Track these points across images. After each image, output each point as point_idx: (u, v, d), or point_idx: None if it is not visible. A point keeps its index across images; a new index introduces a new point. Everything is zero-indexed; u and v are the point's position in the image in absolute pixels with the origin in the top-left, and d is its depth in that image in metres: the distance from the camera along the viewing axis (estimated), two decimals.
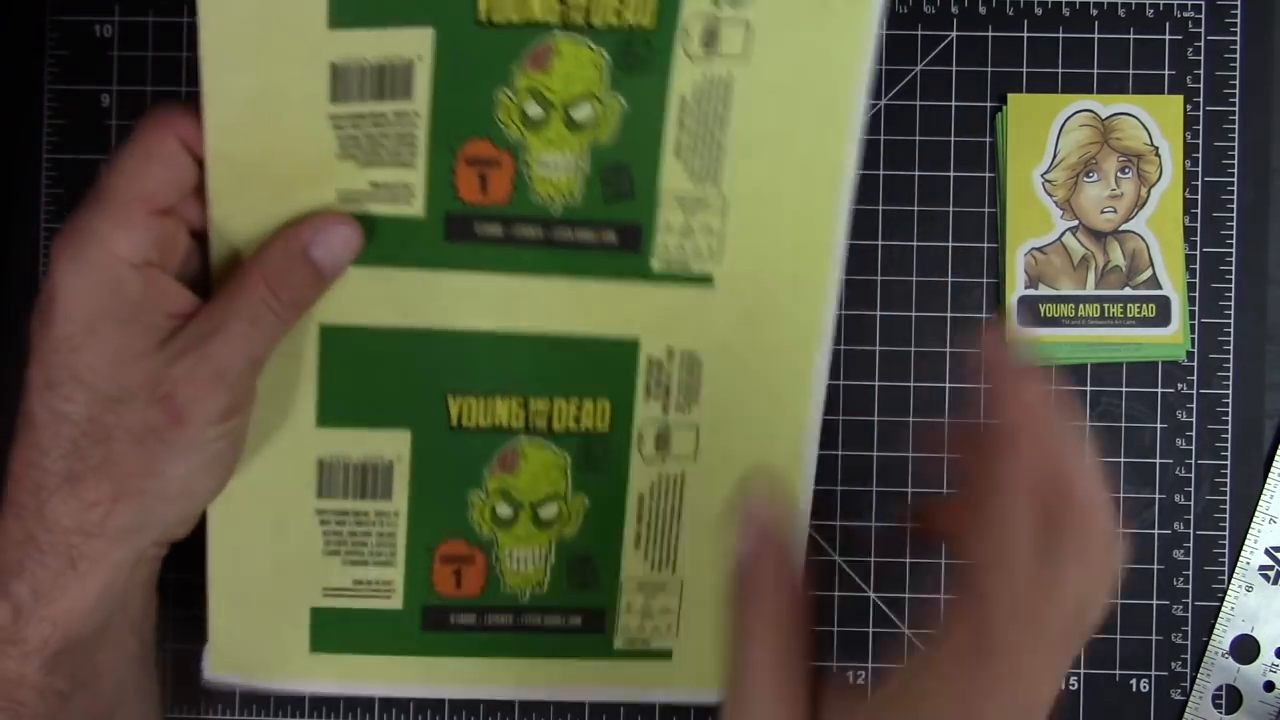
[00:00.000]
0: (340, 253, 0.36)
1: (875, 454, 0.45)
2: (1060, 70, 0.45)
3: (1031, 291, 0.45)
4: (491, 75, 0.35)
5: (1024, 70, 0.45)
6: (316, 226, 0.35)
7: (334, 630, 0.40)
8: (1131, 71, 0.45)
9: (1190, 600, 0.45)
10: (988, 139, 0.45)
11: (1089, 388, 0.45)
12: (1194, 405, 0.45)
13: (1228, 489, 0.45)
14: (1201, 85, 0.45)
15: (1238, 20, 0.45)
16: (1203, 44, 0.45)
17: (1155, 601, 0.45)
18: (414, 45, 0.35)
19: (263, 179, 0.35)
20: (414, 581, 0.40)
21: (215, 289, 0.36)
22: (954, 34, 0.45)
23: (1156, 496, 0.45)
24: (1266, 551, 0.45)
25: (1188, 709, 0.45)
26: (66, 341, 0.33)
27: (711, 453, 0.40)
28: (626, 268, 0.38)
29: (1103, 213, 0.45)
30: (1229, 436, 0.45)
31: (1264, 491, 0.45)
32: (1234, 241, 0.45)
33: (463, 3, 0.34)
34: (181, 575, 0.42)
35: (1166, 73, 0.45)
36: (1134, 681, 0.45)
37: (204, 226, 0.36)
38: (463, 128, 0.36)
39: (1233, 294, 0.45)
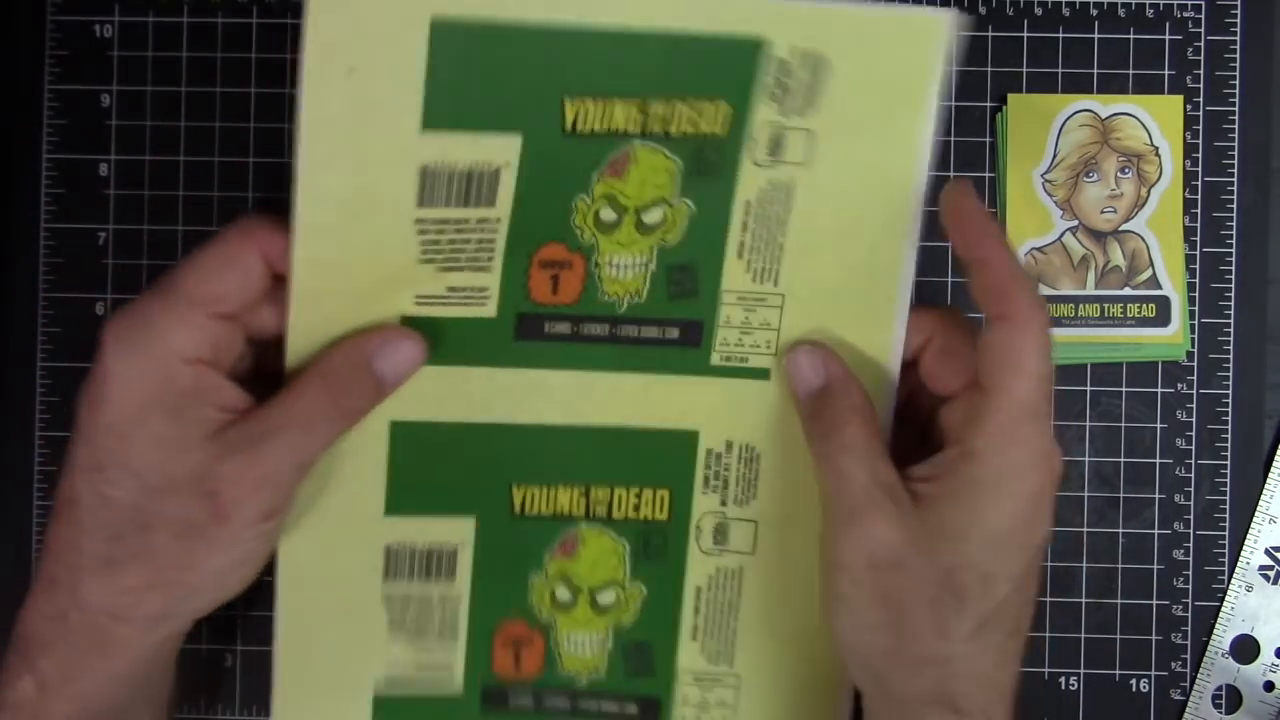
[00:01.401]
0: (403, 367, 0.36)
1: None
2: (1060, 70, 0.45)
3: None
4: (573, 183, 0.36)
5: (1024, 70, 0.45)
6: (383, 339, 0.36)
7: (396, 718, 0.41)
8: (1131, 71, 0.45)
9: (1190, 600, 0.45)
10: (988, 139, 0.45)
11: (1089, 388, 0.45)
12: (1194, 405, 0.45)
13: (1228, 489, 0.45)
14: (1201, 85, 0.45)
15: (1238, 20, 0.45)
16: (1203, 44, 0.45)
17: (1155, 601, 0.45)
18: (503, 152, 0.35)
19: (345, 282, 0.36)
20: (475, 660, 0.41)
21: (282, 390, 0.36)
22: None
23: (1156, 496, 0.45)
24: (1266, 551, 0.45)
25: (1188, 709, 0.45)
26: (115, 427, 0.33)
27: (770, 549, 0.40)
28: (687, 362, 0.39)
29: (1103, 213, 0.45)
30: (1229, 436, 0.45)
31: (1264, 491, 0.45)
32: (1234, 241, 0.45)
33: (552, 112, 0.35)
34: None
35: (1166, 73, 0.45)
36: (1134, 681, 0.45)
37: (262, 332, 0.36)
38: (539, 232, 0.37)
39: (1233, 294, 0.45)
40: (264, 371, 0.37)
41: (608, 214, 0.37)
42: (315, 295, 0.36)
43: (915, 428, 0.38)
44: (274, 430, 0.34)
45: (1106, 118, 0.45)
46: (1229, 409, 0.45)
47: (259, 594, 0.42)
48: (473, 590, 0.40)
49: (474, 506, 0.40)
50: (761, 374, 0.39)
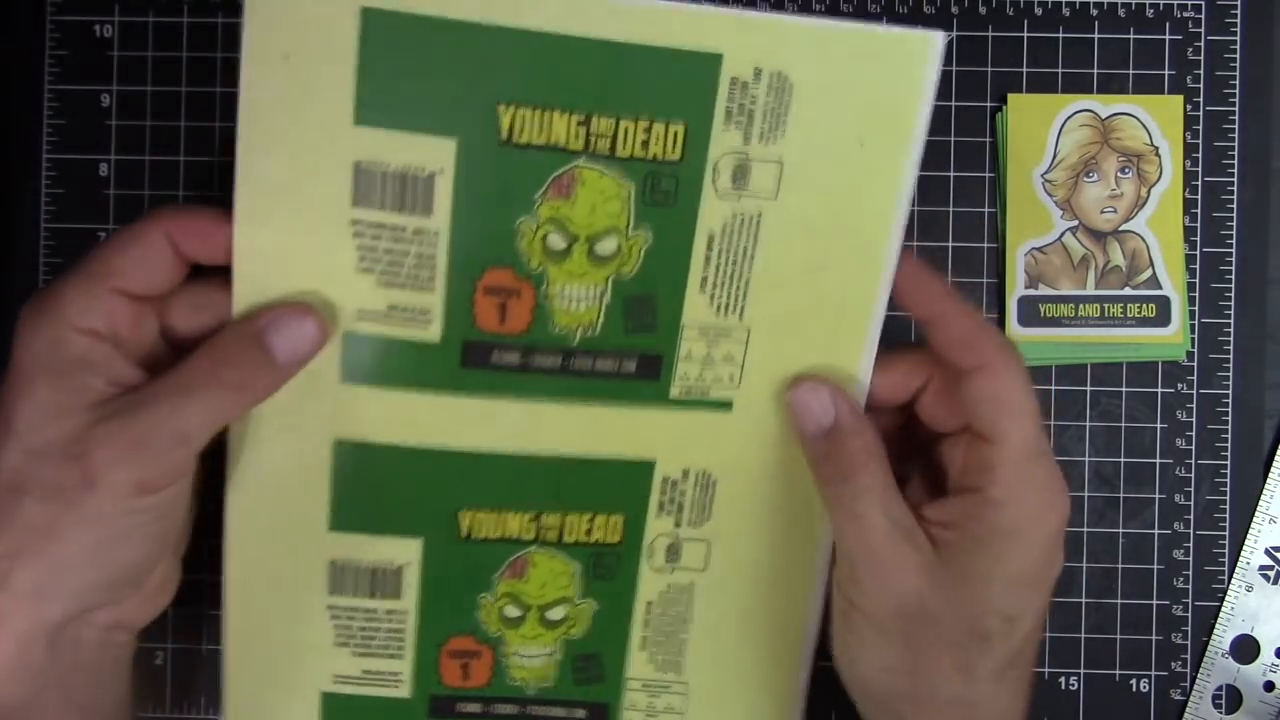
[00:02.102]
0: (300, 344, 0.35)
1: None
2: (1060, 70, 0.45)
3: (1031, 291, 0.45)
4: (514, 199, 0.35)
5: (1024, 70, 0.45)
6: (276, 314, 0.35)
7: (344, 715, 0.41)
8: (1131, 71, 0.45)
9: (1190, 600, 0.45)
10: (988, 139, 0.45)
11: (1089, 388, 0.45)
12: (1194, 405, 0.45)
13: (1228, 489, 0.45)
14: (1201, 85, 0.45)
15: (1238, 20, 0.45)
16: (1203, 44, 0.45)
17: (1155, 601, 0.45)
18: (437, 156, 0.34)
19: (284, 276, 0.35)
20: (422, 672, 0.40)
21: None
22: (954, 34, 0.45)
23: (1156, 496, 0.45)
24: (1266, 551, 0.45)
25: (1188, 709, 0.45)
26: (8, 392, 0.33)
27: (723, 564, 0.40)
28: (644, 395, 0.37)
29: (1103, 213, 0.45)
30: (1229, 436, 0.45)
31: (1264, 491, 0.45)
32: (1234, 241, 0.45)
33: (487, 118, 0.34)
34: (184, 575, 0.42)
35: (1166, 73, 0.45)
36: (1134, 681, 0.45)
37: (178, 330, 0.36)
38: (483, 254, 0.35)
39: (1233, 294, 0.45)
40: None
41: (556, 241, 0.35)
42: (256, 285, 0.35)
43: (915, 456, 0.39)
44: (154, 396, 0.33)
45: (1106, 118, 0.45)
46: (1229, 409, 0.45)
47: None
48: (420, 608, 0.40)
49: (420, 528, 0.39)
50: (724, 405, 0.38)
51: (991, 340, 0.35)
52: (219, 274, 0.36)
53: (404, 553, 0.39)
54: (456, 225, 0.35)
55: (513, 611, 0.40)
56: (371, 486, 0.38)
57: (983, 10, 0.45)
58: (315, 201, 0.35)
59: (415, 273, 0.35)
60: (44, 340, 0.34)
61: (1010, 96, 0.45)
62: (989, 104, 0.45)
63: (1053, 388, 0.45)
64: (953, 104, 0.45)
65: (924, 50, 0.34)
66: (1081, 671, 0.45)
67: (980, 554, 0.34)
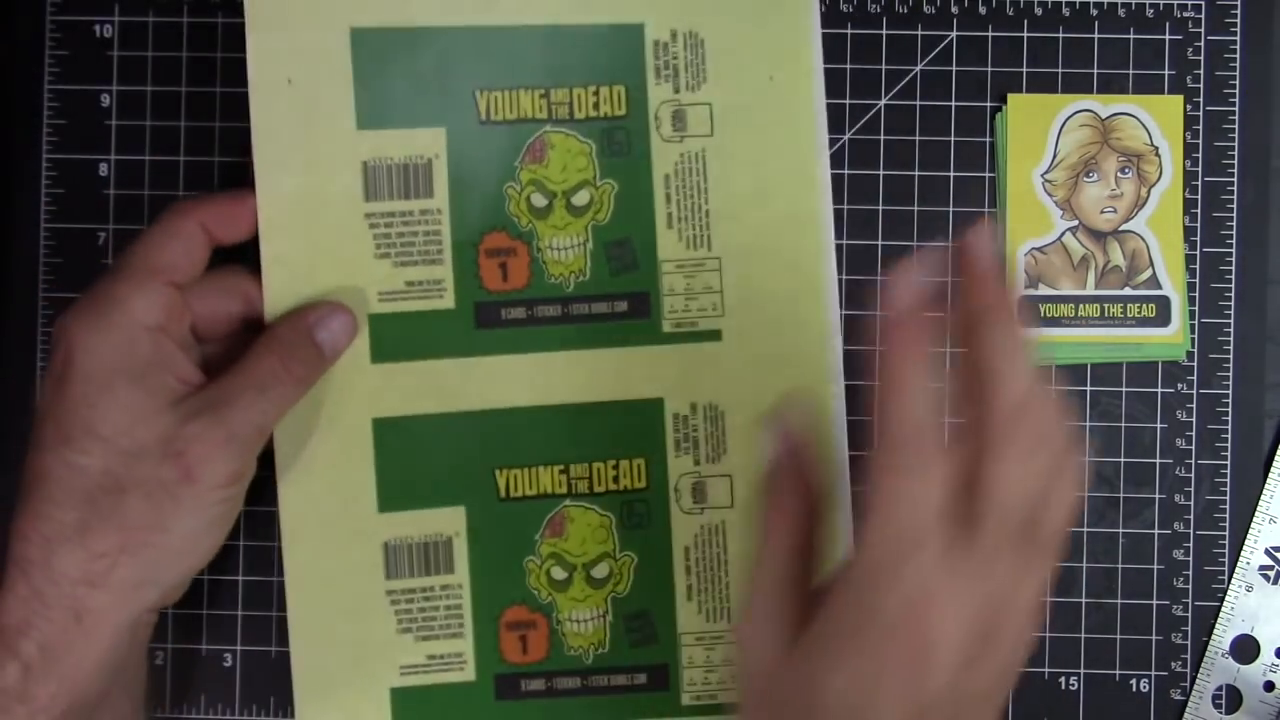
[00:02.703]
0: (339, 336, 0.40)
1: None
2: (1060, 70, 0.45)
3: (1031, 291, 0.45)
4: (498, 169, 0.41)
5: (1024, 70, 0.45)
6: (321, 312, 0.39)
7: (414, 708, 0.42)
8: (1131, 71, 0.45)
9: (1190, 600, 0.45)
10: (988, 139, 0.45)
11: (1089, 388, 0.45)
12: (1194, 405, 0.45)
13: (1228, 489, 0.45)
14: (1201, 85, 0.45)
15: (1238, 20, 0.45)
16: (1203, 44, 0.45)
17: (1155, 601, 0.45)
18: (431, 144, 0.41)
19: (311, 279, 0.40)
20: (484, 650, 0.42)
21: (237, 362, 0.39)
22: (954, 34, 0.45)
23: (1156, 496, 0.45)
24: (1266, 551, 0.45)
25: (1188, 709, 0.45)
26: (84, 399, 0.35)
27: (748, 500, 0.42)
28: (641, 333, 0.42)
29: (1103, 213, 0.45)
30: (1229, 436, 0.45)
31: (1264, 491, 0.45)
32: (1234, 241, 0.45)
33: (467, 105, 0.41)
34: None
35: (1166, 73, 0.45)
36: (1134, 681, 0.45)
37: (206, 320, 0.39)
38: (481, 222, 0.41)
39: (1233, 294, 0.45)
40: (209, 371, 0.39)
41: (538, 199, 0.41)
42: (285, 291, 0.40)
43: None
44: (234, 393, 0.37)
45: (1106, 118, 0.45)
46: (1229, 409, 0.45)
47: (251, 592, 0.43)
48: (472, 580, 0.42)
49: (462, 495, 0.42)
50: (713, 336, 0.42)
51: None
52: (234, 260, 0.40)
53: (451, 523, 0.42)
54: (454, 200, 0.41)
55: (559, 573, 0.42)
56: (413, 461, 0.41)
57: (983, 10, 0.45)
58: (332, 203, 0.40)
59: (426, 249, 0.41)
60: (115, 343, 0.36)
61: (1010, 96, 0.45)
62: (989, 104, 0.45)
63: (1053, 388, 0.45)
64: (953, 104, 0.45)
65: None
66: (1081, 671, 0.45)
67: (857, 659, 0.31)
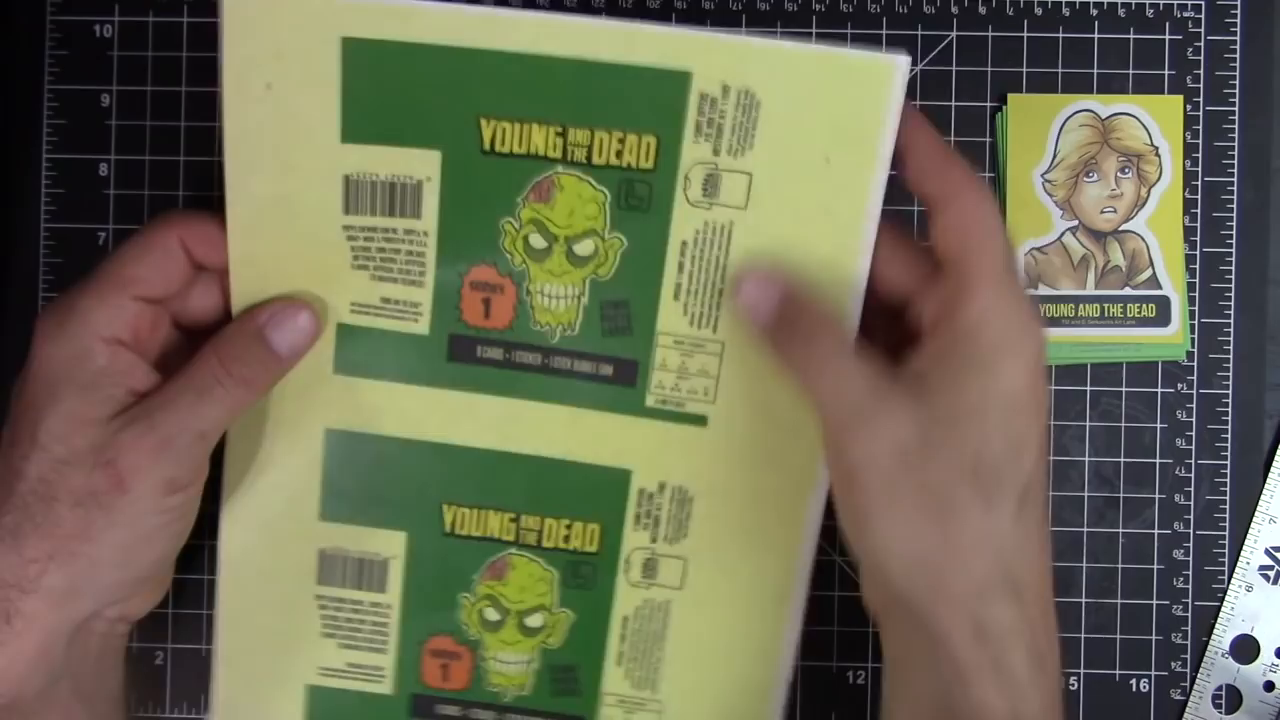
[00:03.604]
0: (297, 337, 0.37)
1: None
2: (1060, 70, 0.45)
3: (1031, 291, 0.45)
4: (496, 203, 0.37)
5: (1024, 70, 0.45)
6: (274, 310, 0.37)
7: (328, 709, 0.41)
8: (1131, 71, 0.45)
9: (1190, 600, 0.45)
10: (988, 139, 0.45)
11: (1089, 388, 0.45)
12: (1194, 405, 0.45)
13: (1228, 489, 0.45)
14: (1201, 85, 0.45)
15: (1238, 20, 0.45)
16: (1203, 44, 0.45)
17: (1155, 601, 0.45)
18: (423, 167, 0.37)
19: (281, 279, 0.38)
20: (404, 669, 0.41)
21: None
22: (954, 34, 0.45)
23: (1156, 496, 0.45)
24: (1266, 551, 0.45)
25: (1188, 709, 0.45)
26: (33, 405, 0.35)
27: (699, 584, 0.40)
28: (621, 401, 0.39)
29: (1103, 213, 0.45)
30: (1229, 436, 0.45)
31: (1264, 491, 0.45)
32: (1234, 241, 0.45)
33: (469, 131, 0.36)
34: (179, 576, 0.42)
35: (1166, 73, 0.45)
36: (1134, 681, 0.45)
37: (196, 317, 0.38)
38: (470, 252, 0.38)
39: (1233, 294, 0.45)
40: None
41: (537, 240, 0.37)
42: (253, 293, 0.38)
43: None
44: (170, 398, 0.35)
45: (1106, 118, 0.45)
46: (1229, 409, 0.45)
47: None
48: (403, 603, 0.41)
49: (405, 521, 0.40)
50: (698, 420, 0.39)
51: (958, 168, 0.34)
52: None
53: (390, 545, 0.40)
54: (444, 226, 0.37)
55: (492, 615, 0.41)
56: (360, 477, 0.40)
57: (983, 10, 0.45)
58: (307, 212, 0.37)
59: (406, 268, 0.38)
60: (69, 352, 0.35)
61: (1010, 96, 0.45)
62: (989, 104, 0.45)
63: (1053, 388, 0.45)
64: (953, 104, 0.45)
65: (889, 73, 0.35)
66: (1081, 671, 0.45)
67: (968, 382, 0.33)
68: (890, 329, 0.37)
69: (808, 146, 0.36)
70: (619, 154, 0.36)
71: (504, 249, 0.38)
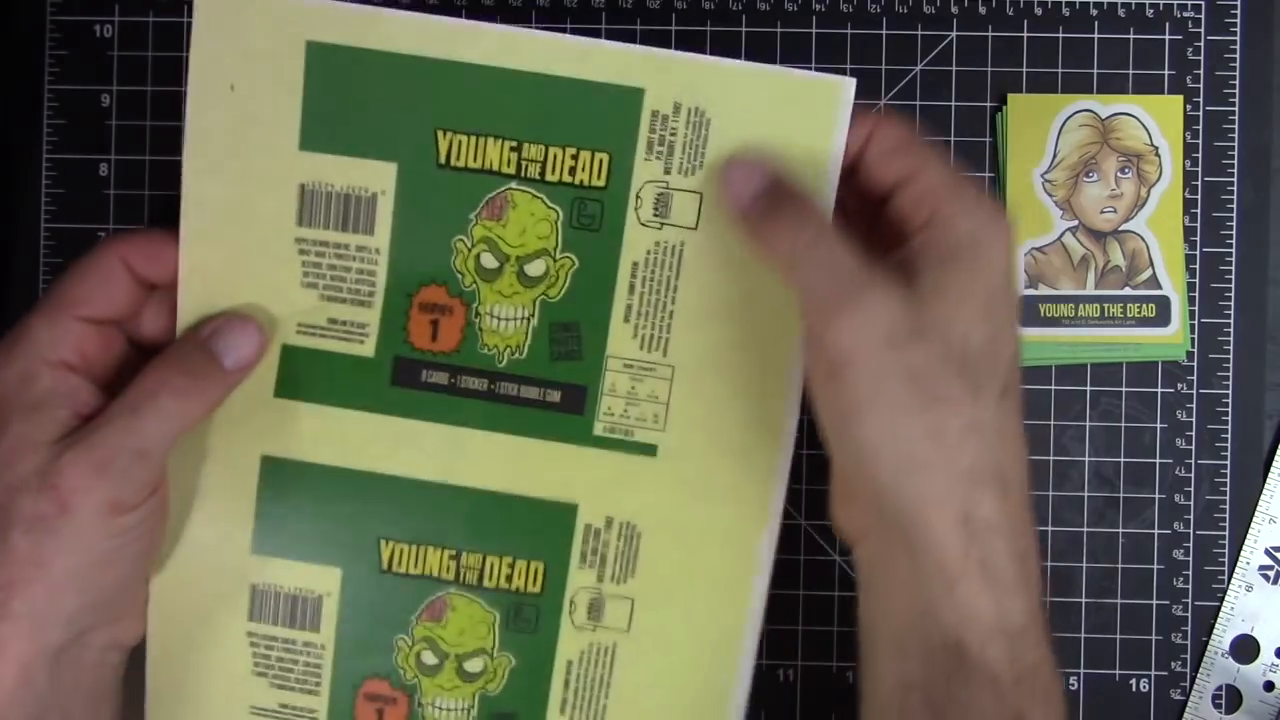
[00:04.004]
0: (243, 351, 0.36)
1: None
2: (1060, 70, 0.45)
3: (1031, 291, 0.45)
4: (450, 219, 0.37)
5: (1024, 70, 0.45)
6: (219, 323, 0.37)
7: None
8: (1131, 71, 0.45)
9: (1190, 600, 0.45)
10: (988, 139, 0.45)
11: (1089, 388, 0.45)
12: (1194, 405, 0.45)
13: (1228, 489, 0.45)
14: (1201, 85, 0.45)
15: (1238, 20, 0.45)
16: (1203, 44, 0.45)
17: (1155, 601, 0.45)
18: (378, 179, 0.37)
19: (230, 293, 0.37)
20: (337, 714, 0.40)
21: None
22: (954, 34, 0.45)
23: (1156, 496, 0.45)
24: (1266, 551, 0.45)
25: (1188, 709, 0.45)
26: None
27: (646, 629, 0.39)
28: (569, 430, 0.38)
29: (1103, 213, 0.45)
30: (1229, 436, 0.45)
31: (1264, 491, 0.45)
32: (1234, 241, 0.45)
33: (425, 143, 0.36)
34: None
35: (1166, 73, 0.45)
36: (1134, 681, 0.45)
37: (150, 337, 0.37)
38: (420, 271, 0.37)
39: (1233, 294, 0.45)
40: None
41: (489, 260, 0.37)
42: (201, 304, 0.37)
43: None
44: (108, 418, 0.35)
45: (1106, 118, 0.45)
46: (1229, 409, 0.45)
47: None
48: (337, 644, 0.39)
49: (341, 557, 0.39)
50: (648, 450, 0.38)
51: (866, 115, 0.35)
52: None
53: (324, 582, 0.39)
54: (396, 243, 0.37)
55: (430, 658, 0.40)
56: (296, 507, 0.38)
57: (983, 10, 0.45)
58: (261, 221, 0.37)
59: (356, 288, 0.37)
60: (14, 375, 0.35)
61: (1010, 96, 0.45)
62: (989, 104, 0.45)
63: (1053, 388, 0.45)
64: (953, 104, 0.45)
65: (835, 94, 0.35)
66: (1081, 671, 0.45)
67: (947, 272, 0.33)
68: (867, 230, 0.37)
69: None
70: (572, 170, 0.37)
71: (455, 269, 0.37)
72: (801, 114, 0.36)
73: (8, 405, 0.35)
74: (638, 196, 0.37)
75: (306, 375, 0.38)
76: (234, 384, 0.37)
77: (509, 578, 0.39)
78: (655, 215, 0.37)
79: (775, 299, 0.36)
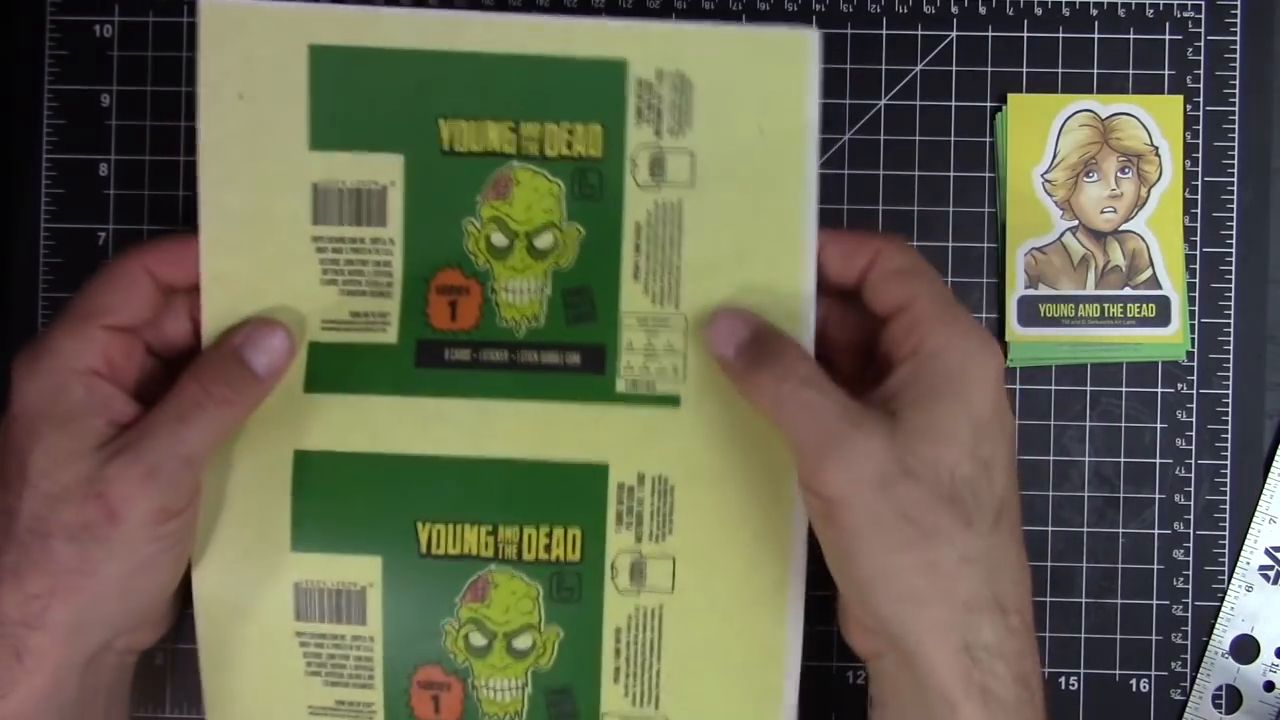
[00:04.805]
0: (274, 356, 0.37)
1: None
2: (1060, 70, 0.45)
3: (1031, 291, 0.45)
4: (458, 203, 0.39)
5: (1024, 70, 0.45)
6: (248, 331, 0.37)
7: None
8: (1131, 71, 0.45)
9: (1190, 600, 0.45)
10: (988, 139, 0.45)
11: (1089, 388, 0.45)
12: (1194, 405, 0.45)
13: (1228, 489, 0.45)
14: (1201, 85, 0.45)
15: (1238, 20, 0.45)
16: (1203, 44, 0.45)
17: (1155, 601, 0.45)
18: (387, 171, 0.38)
19: (252, 299, 0.38)
20: (394, 705, 0.40)
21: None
22: (954, 34, 0.45)
23: (1156, 496, 0.45)
24: (1266, 551, 0.45)
25: (1188, 709, 0.45)
26: (15, 442, 0.35)
27: (690, 586, 0.39)
28: (592, 390, 0.39)
29: (1103, 213, 0.45)
30: (1229, 436, 0.45)
31: (1264, 491, 0.45)
32: (1234, 241, 0.45)
33: (429, 132, 0.38)
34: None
35: (1166, 73, 0.45)
36: (1134, 681, 0.45)
37: (172, 344, 0.38)
38: (435, 257, 0.39)
39: (1233, 294, 0.45)
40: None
41: (499, 238, 0.39)
42: (225, 311, 0.38)
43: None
44: (153, 426, 0.35)
45: (1106, 118, 0.45)
46: (1229, 409, 0.45)
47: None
48: (385, 635, 0.39)
49: (380, 545, 0.39)
50: (671, 400, 0.39)
51: (875, 236, 0.37)
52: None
53: (366, 573, 0.39)
54: (409, 232, 0.39)
55: (478, 639, 0.40)
56: (331, 500, 0.39)
57: (983, 10, 0.45)
58: (278, 224, 0.38)
59: (375, 279, 0.39)
60: (45, 387, 0.35)
61: (1010, 96, 0.45)
62: (989, 104, 0.45)
63: (1053, 388, 0.45)
64: (953, 104, 0.45)
65: (804, 45, 0.38)
66: (1081, 671, 0.45)
67: (933, 406, 0.34)
68: (854, 371, 0.38)
69: (741, 120, 0.38)
70: (569, 144, 0.38)
71: (467, 251, 0.39)
72: (775, 67, 0.38)
73: (40, 417, 0.35)
74: (633, 161, 0.38)
75: (334, 369, 0.39)
76: (269, 389, 0.38)
77: (547, 548, 0.39)
78: (652, 177, 0.39)
79: (773, 245, 0.38)
